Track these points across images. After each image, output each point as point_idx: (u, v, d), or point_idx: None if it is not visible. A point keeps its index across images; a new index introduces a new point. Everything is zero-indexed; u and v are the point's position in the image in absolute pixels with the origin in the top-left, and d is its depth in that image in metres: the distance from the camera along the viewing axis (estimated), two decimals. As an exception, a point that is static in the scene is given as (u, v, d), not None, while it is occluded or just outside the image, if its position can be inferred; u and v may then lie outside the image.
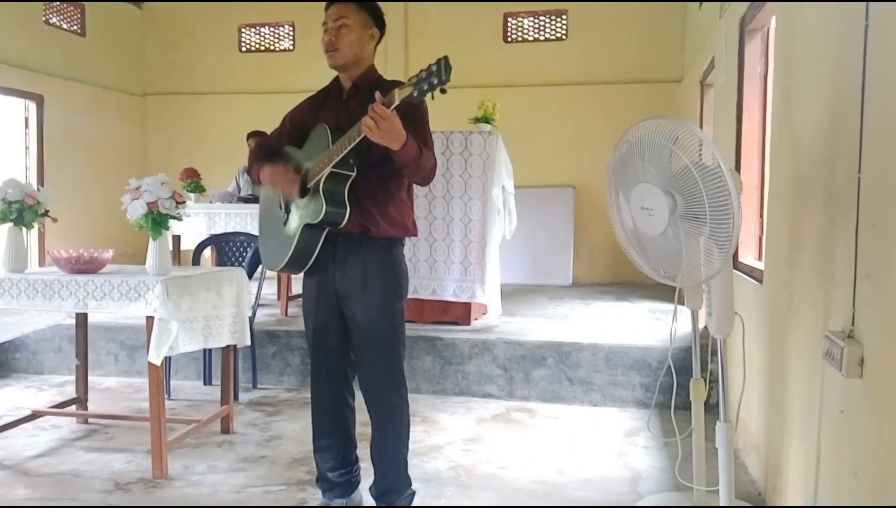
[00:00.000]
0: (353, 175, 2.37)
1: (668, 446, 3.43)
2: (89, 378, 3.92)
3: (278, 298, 5.66)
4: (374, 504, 2.63)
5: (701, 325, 3.06)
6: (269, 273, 5.07)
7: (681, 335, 4.03)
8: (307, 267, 2.49)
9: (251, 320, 3.97)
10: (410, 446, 2.63)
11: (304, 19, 8.29)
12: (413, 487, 2.65)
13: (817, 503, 2.07)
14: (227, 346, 3.54)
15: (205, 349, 4.25)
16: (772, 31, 3.34)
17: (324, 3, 2.53)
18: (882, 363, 1.60)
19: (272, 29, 8.72)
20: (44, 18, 7.44)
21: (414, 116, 2.34)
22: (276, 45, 8.73)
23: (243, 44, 8.76)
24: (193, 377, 4.66)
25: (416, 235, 2.65)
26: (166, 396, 3.86)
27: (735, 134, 3.68)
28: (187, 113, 8.75)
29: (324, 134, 2.41)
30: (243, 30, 8.73)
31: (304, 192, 2.44)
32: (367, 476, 2.71)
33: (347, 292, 2.49)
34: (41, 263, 7.08)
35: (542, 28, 8.09)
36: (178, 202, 3.12)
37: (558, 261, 7.72)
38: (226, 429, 3.66)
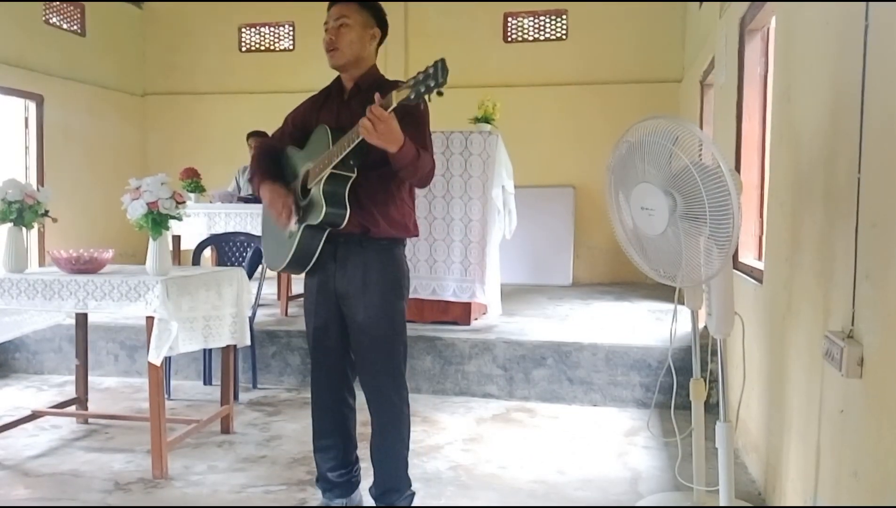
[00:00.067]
0: (354, 176, 2.37)
1: (668, 446, 3.43)
2: (89, 378, 3.92)
3: (278, 298, 5.66)
4: (374, 505, 2.63)
5: (701, 325, 3.06)
6: (269, 273, 5.07)
7: (681, 335, 4.04)
8: (308, 267, 2.50)
9: (251, 320, 3.97)
10: (410, 446, 2.63)
11: (304, 19, 8.29)
12: (413, 487, 2.65)
13: (817, 503, 2.07)
14: (227, 346, 3.54)
15: (205, 349, 4.25)
16: (772, 31, 3.34)
17: (324, 3, 2.53)
18: (882, 363, 1.60)
19: (272, 29, 8.72)
20: (44, 18, 7.43)
21: (414, 117, 2.34)
22: (276, 45, 8.73)
23: (243, 44, 8.76)
24: (193, 377, 4.66)
25: (417, 235, 2.65)
26: (166, 396, 3.86)
27: (735, 134, 3.68)
28: (187, 113, 8.74)
29: (324, 135, 2.41)
30: (243, 30, 8.73)
31: (304, 193, 2.44)
32: (367, 476, 2.71)
33: (348, 292, 2.49)
34: (41, 263, 7.08)
35: (542, 28, 8.09)
36: (178, 202, 3.12)
37: (558, 261, 7.72)
38: (226, 429, 3.66)
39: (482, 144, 4.72)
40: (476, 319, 4.93)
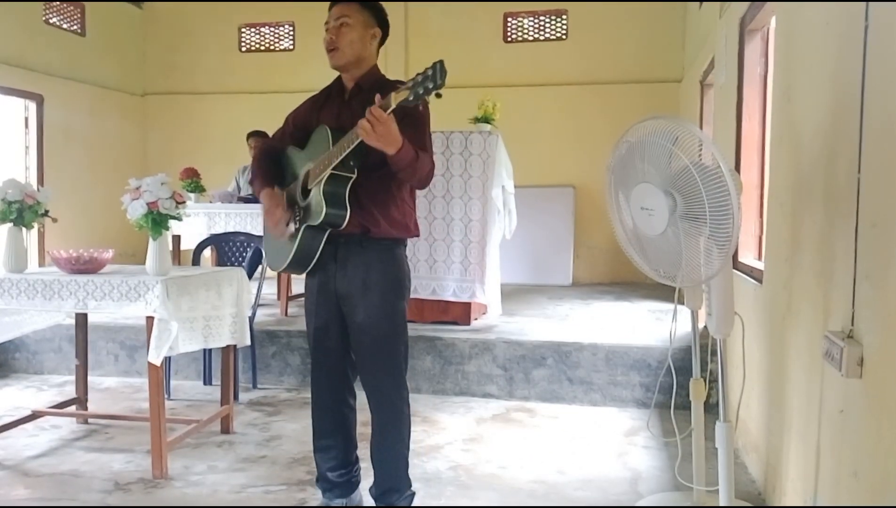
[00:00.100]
0: (354, 177, 2.37)
1: (668, 446, 3.43)
2: (89, 378, 3.92)
3: (278, 298, 5.66)
4: (374, 505, 2.63)
5: (701, 325, 3.06)
6: (268, 273, 5.08)
7: (681, 335, 4.03)
8: (309, 268, 2.50)
9: (251, 320, 3.97)
10: (411, 446, 2.63)
11: (304, 19, 8.29)
12: (413, 487, 2.65)
13: (817, 503, 2.07)
14: (227, 346, 3.54)
15: (205, 349, 4.25)
16: (772, 31, 3.34)
17: (325, 3, 2.53)
18: (881, 363, 1.60)
19: (272, 29, 8.71)
20: (44, 18, 7.43)
21: (414, 118, 2.34)
22: (276, 45, 8.73)
23: (243, 44, 8.76)
24: (193, 377, 4.66)
25: (418, 235, 2.65)
26: (166, 396, 3.86)
27: (735, 134, 3.68)
28: (187, 113, 8.74)
29: (324, 135, 2.41)
30: (243, 30, 8.73)
31: (305, 193, 2.45)
32: (367, 476, 2.71)
33: (348, 292, 2.49)
34: (41, 263, 7.08)
35: (542, 28, 8.09)
36: (178, 202, 3.12)
37: (558, 261, 7.72)
38: (226, 429, 3.66)
39: (482, 144, 4.72)
40: (476, 319, 4.93)
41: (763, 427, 2.88)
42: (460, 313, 4.79)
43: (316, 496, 2.79)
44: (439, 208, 4.79)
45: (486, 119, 4.84)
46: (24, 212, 3.23)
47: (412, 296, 4.60)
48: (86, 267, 3.16)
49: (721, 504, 2.39)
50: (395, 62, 7.63)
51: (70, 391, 4.06)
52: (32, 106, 7.28)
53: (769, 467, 2.75)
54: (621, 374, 4.18)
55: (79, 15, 7.92)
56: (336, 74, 2.58)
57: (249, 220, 5.14)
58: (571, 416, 4.00)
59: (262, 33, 8.74)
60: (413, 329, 4.45)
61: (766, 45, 3.48)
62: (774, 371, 2.68)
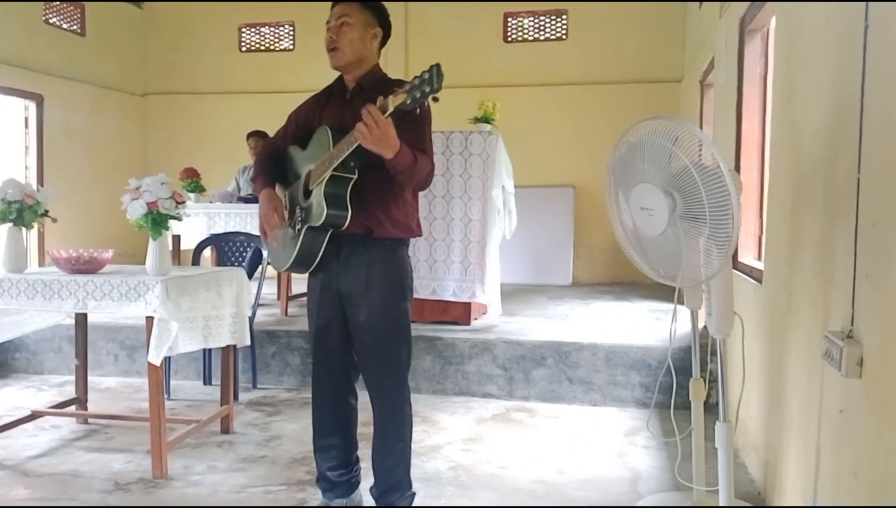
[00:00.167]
0: (355, 177, 2.36)
1: (668, 446, 3.43)
2: (89, 378, 3.92)
3: (278, 298, 5.66)
4: (374, 505, 2.63)
5: (701, 325, 3.06)
6: (268, 273, 5.08)
7: (680, 335, 4.03)
8: (312, 268, 2.50)
9: (251, 320, 3.97)
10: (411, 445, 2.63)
11: (304, 19, 8.30)
12: (413, 487, 2.65)
13: (816, 503, 2.07)
14: (227, 346, 3.54)
15: (205, 349, 4.25)
16: (772, 31, 3.34)
17: (325, 3, 2.53)
18: (881, 363, 1.60)
19: (272, 29, 8.72)
20: (44, 18, 7.43)
21: (414, 119, 2.33)
22: (276, 45, 8.73)
23: (243, 44, 8.76)
24: (193, 377, 4.66)
25: (420, 235, 2.66)
26: (166, 396, 3.86)
27: (735, 134, 3.68)
28: (187, 113, 8.75)
29: (325, 136, 2.41)
30: (243, 30, 8.73)
31: (306, 194, 2.45)
32: (367, 476, 2.71)
33: (351, 292, 2.49)
34: (41, 263, 7.08)
35: (542, 28, 8.09)
36: (177, 202, 3.12)
37: (558, 261, 7.73)
38: (226, 429, 3.66)
39: (482, 144, 4.72)
40: (476, 319, 4.93)
41: (763, 427, 2.88)
42: (460, 313, 4.79)
43: (316, 496, 2.79)
44: (439, 208, 4.79)
45: (486, 119, 4.84)
46: (23, 212, 3.23)
47: (412, 296, 4.63)
48: (86, 267, 3.16)
49: (721, 504, 2.39)
50: (395, 62, 7.63)
51: (70, 391, 4.06)
52: (32, 106, 7.28)
53: (769, 467, 2.75)
54: (621, 374, 4.18)
55: (79, 15, 7.92)
56: (337, 73, 2.58)
57: (249, 220, 5.14)
58: (571, 416, 4.00)
59: (262, 33, 8.74)
60: (413, 329, 4.38)
61: (766, 45, 3.48)
62: (774, 371, 2.68)
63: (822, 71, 2.18)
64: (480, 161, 4.72)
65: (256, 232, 4.86)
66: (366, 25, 2.48)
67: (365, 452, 2.66)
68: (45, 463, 3.26)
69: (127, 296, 3.02)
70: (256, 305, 4.19)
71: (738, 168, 3.55)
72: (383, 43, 2.57)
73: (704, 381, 2.74)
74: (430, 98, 2.07)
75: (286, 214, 2.54)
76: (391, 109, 2.12)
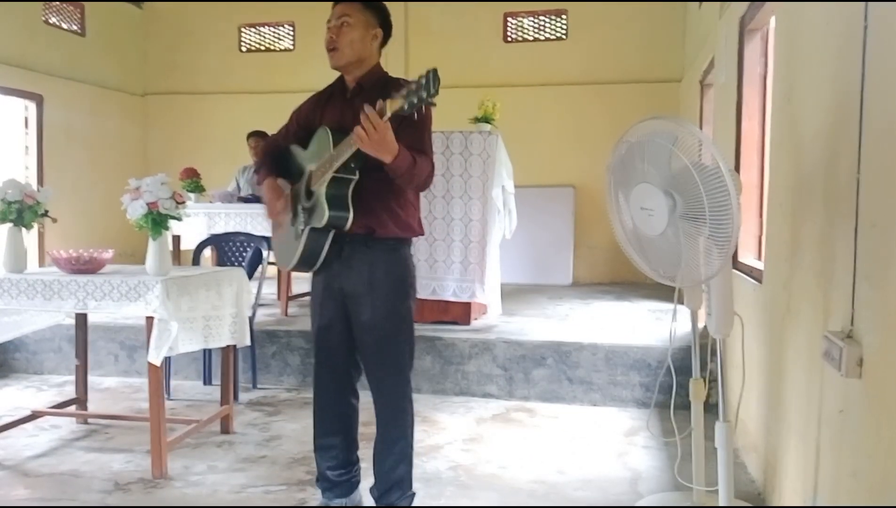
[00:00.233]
0: (356, 178, 2.37)
1: (668, 446, 3.43)
2: (89, 378, 3.92)
3: (278, 298, 5.66)
4: (374, 505, 2.63)
5: (700, 325, 3.06)
6: (268, 273, 5.07)
7: (680, 335, 4.03)
8: (316, 267, 2.50)
9: (251, 320, 3.96)
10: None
11: (304, 19, 8.30)
12: (413, 487, 2.64)
13: (816, 502, 2.07)
14: (227, 346, 3.54)
15: (205, 349, 4.25)
16: (772, 31, 3.34)
17: (325, 3, 2.53)
18: (881, 363, 1.60)
19: (272, 29, 8.72)
20: (44, 18, 7.43)
21: (414, 122, 2.32)
22: (277, 45, 8.73)
23: (243, 44, 8.76)
24: (193, 377, 4.66)
25: (422, 234, 2.66)
26: (166, 396, 3.86)
27: (735, 134, 3.68)
28: (188, 113, 8.75)
29: (325, 137, 2.41)
30: (243, 30, 8.73)
31: (308, 194, 2.45)
32: (367, 476, 2.71)
33: (353, 291, 2.49)
34: (41, 263, 7.08)
35: (542, 28, 8.09)
36: (178, 202, 3.12)
37: (558, 261, 7.73)
38: (226, 429, 3.66)
39: (482, 144, 4.72)
40: (476, 319, 4.93)
41: (763, 427, 2.88)
42: (460, 313, 4.79)
43: (316, 496, 2.79)
44: (439, 208, 4.79)
45: (486, 119, 4.84)
46: (23, 212, 3.23)
47: (412, 296, 4.63)
48: (86, 267, 3.16)
49: (721, 504, 2.39)
50: (395, 62, 7.62)
51: (70, 391, 4.06)
52: (32, 106, 7.28)
53: (769, 467, 2.75)
54: (621, 374, 4.18)
55: (79, 15, 7.92)
56: (337, 73, 2.58)
57: (249, 220, 5.15)
58: (571, 416, 4.00)
59: (262, 33, 8.74)
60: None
61: (766, 45, 3.48)
62: (774, 371, 2.68)
63: (822, 71, 2.18)
64: (480, 161, 4.72)
65: (256, 232, 4.89)
66: (366, 26, 2.48)
67: (365, 452, 2.66)
68: (45, 463, 3.26)
69: (127, 296, 3.02)
70: (256, 305, 4.19)
71: (738, 168, 3.55)
72: (384, 43, 2.56)
73: (704, 381, 2.74)
74: (426, 103, 2.06)
75: (290, 213, 2.54)
76: (389, 113, 2.11)
